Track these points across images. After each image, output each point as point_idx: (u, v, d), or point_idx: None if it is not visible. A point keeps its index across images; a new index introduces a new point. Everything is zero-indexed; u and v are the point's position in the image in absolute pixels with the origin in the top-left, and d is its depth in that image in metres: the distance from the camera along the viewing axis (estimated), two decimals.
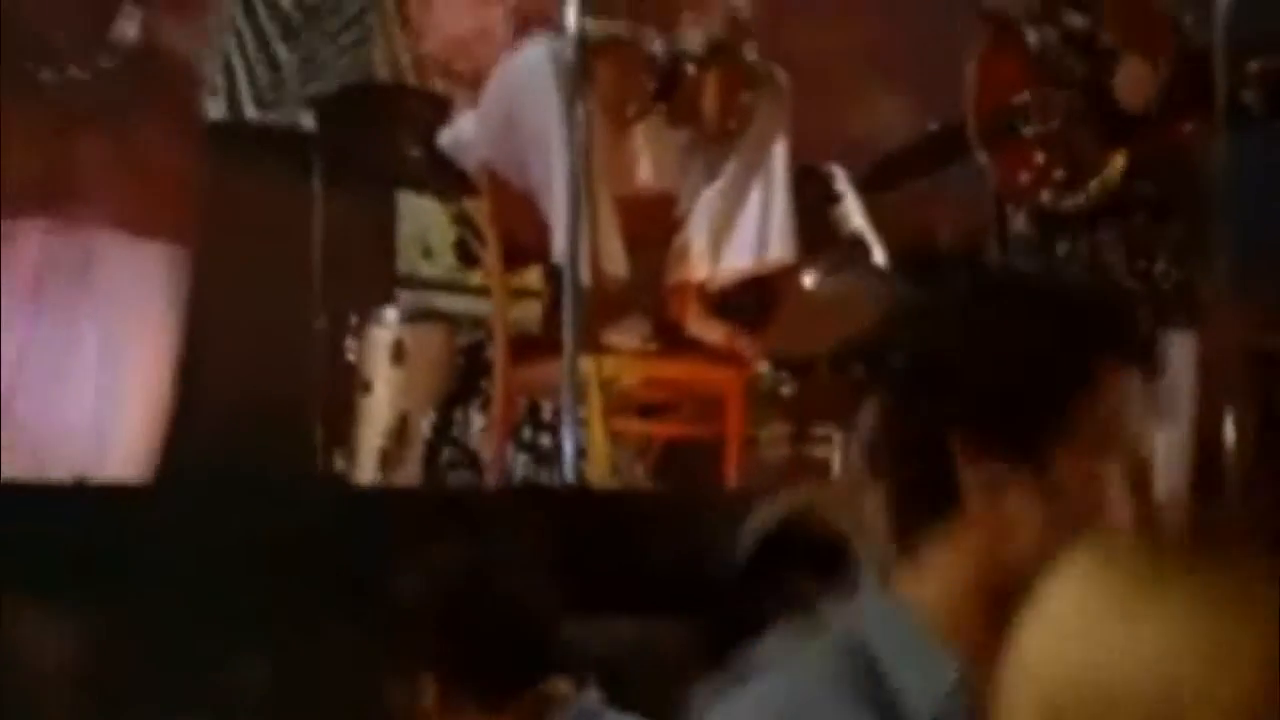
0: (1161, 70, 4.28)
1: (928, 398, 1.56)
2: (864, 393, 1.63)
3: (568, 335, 3.84)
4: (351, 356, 4.77)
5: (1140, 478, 1.56)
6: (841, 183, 4.76)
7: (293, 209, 4.88)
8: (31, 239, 3.91)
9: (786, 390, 4.77)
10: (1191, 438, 4.24)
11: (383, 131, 4.72)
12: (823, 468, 4.63)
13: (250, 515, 3.48)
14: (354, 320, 4.79)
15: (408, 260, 5.52)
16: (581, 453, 3.86)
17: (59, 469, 3.72)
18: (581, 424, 3.89)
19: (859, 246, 4.74)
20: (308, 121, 4.93)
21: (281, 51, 5.83)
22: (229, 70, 5.71)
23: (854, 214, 4.75)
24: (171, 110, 4.00)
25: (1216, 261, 4.30)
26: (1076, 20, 4.28)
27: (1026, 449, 1.53)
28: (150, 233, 3.98)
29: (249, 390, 4.87)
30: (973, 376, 1.55)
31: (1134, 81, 4.25)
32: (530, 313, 4.65)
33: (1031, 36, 4.26)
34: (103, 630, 3.22)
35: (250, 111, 5.69)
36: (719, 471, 4.09)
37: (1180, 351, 4.24)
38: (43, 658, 3.10)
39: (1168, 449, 4.21)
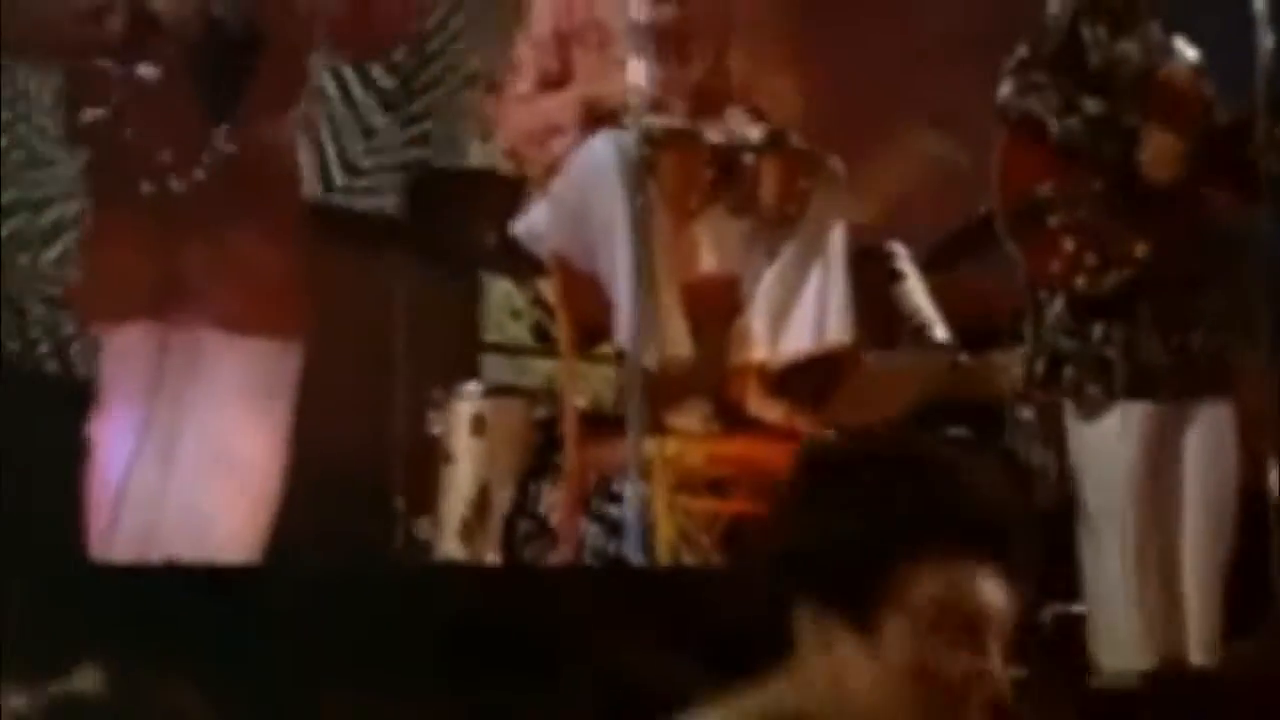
0: (1188, 143, 4.44)
1: (778, 564, 1.93)
2: None
3: (632, 417, 4.06)
4: (436, 429, 5.01)
5: (975, 640, 1.81)
6: (903, 262, 4.95)
7: (379, 287, 5.13)
8: (141, 340, 4.16)
9: None
10: (1235, 504, 4.41)
11: (464, 216, 4.95)
12: None
13: (349, 593, 3.74)
14: (437, 394, 5.04)
15: (490, 336, 5.77)
16: (648, 528, 4.08)
17: (171, 551, 3.95)
18: (647, 501, 4.11)
19: (919, 324, 4.91)
20: (392, 202, 5.19)
21: (377, 122, 6.12)
22: (320, 149, 6.02)
23: (915, 292, 4.93)
24: (269, 213, 4.20)
25: (1255, 329, 4.49)
26: (1095, 106, 4.44)
27: (852, 613, 1.86)
28: (254, 329, 4.17)
29: (338, 463, 5.12)
30: (805, 551, 1.91)
31: (1160, 155, 4.39)
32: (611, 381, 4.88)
33: (1054, 127, 4.42)
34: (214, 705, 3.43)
35: (339, 187, 6.00)
36: None
37: (1220, 420, 4.42)
38: None
39: (1211, 518, 4.39)
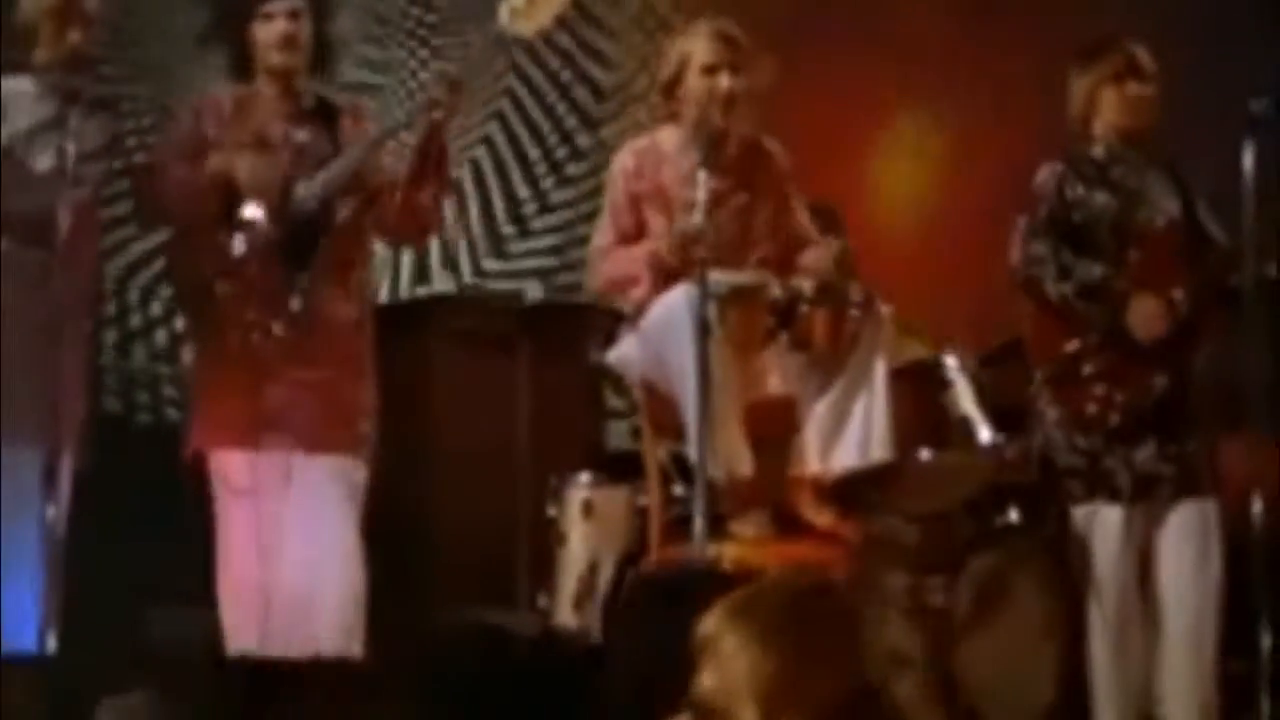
0: (1180, 303, 5.13)
1: None
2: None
3: (698, 527, 4.85)
4: (552, 513, 5.85)
5: None
6: (953, 372, 5.67)
7: (505, 392, 5.99)
8: (238, 460, 5.08)
9: (908, 539, 5.72)
10: (1220, 595, 5.13)
11: (573, 337, 5.76)
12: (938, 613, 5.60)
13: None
14: (554, 483, 5.88)
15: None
16: None
17: (281, 643, 4.85)
18: None
19: (967, 425, 5.63)
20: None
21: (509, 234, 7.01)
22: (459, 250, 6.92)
23: (963, 397, 5.65)
24: (337, 357, 5.11)
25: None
26: (1086, 272, 5.15)
27: None
28: (333, 449, 5.10)
29: (468, 547, 6.00)
30: None
31: (1145, 319, 5.11)
32: None
33: (1053, 294, 5.16)
34: None
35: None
36: None
37: (1207, 516, 5.15)
38: None
39: (1200, 610, 5.12)
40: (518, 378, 5.98)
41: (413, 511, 5.90)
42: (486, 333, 6.18)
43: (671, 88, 5.32)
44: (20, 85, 5.15)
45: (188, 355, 5.82)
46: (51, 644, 4.80)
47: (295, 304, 5.02)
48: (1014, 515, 5.76)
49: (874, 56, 7.20)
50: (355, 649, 5.03)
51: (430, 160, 5.14)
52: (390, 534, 5.49)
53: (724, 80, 5.21)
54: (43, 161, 5.05)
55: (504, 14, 5.00)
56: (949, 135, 7.25)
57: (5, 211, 5.04)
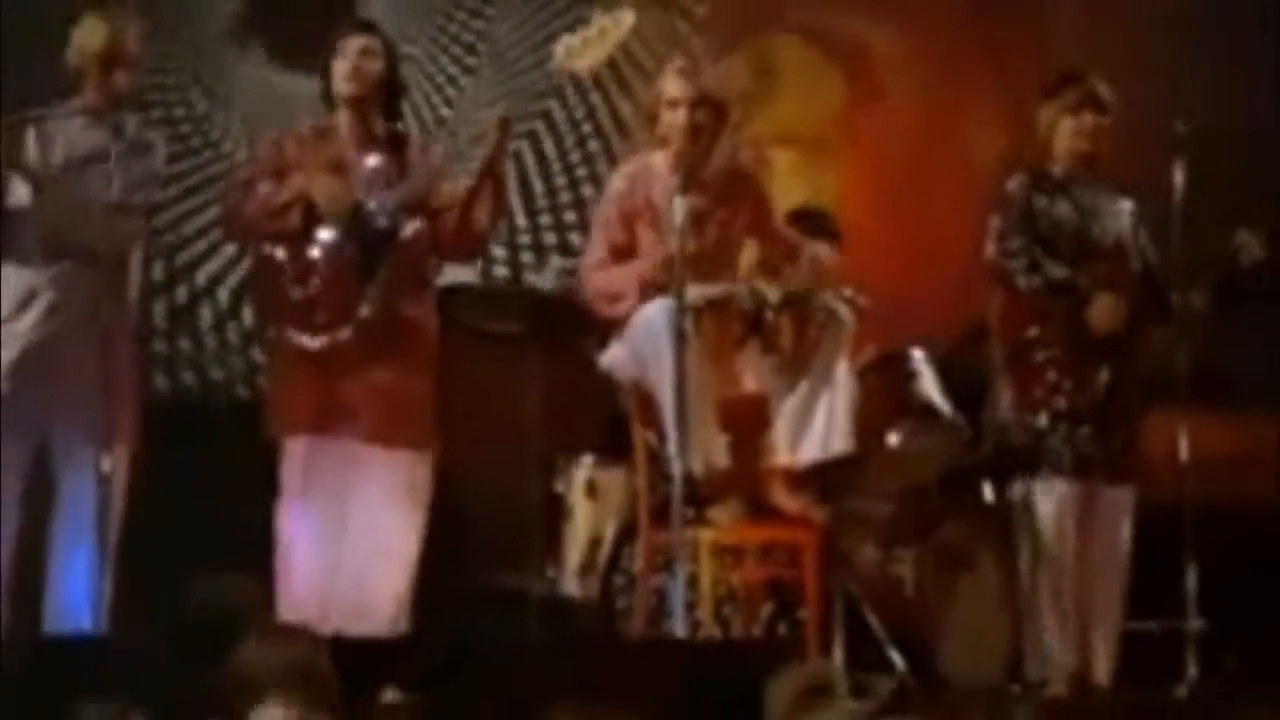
0: (1127, 300, 5.74)
1: None
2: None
3: (676, 514, 5.45)
4: (559, 489, 6.47)
5: None
6: (918, 363, 6.24)
7: (518, 381, 6.59)
8: (306, 449, 5.70)
9: (879, 515, 6.32)
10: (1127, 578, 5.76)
11: (581, 328, 6.33)
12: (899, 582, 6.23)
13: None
14: (561, 462, 6.49)
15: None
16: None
17: (329, 624, 5.46)
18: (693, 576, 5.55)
19: (931, 412, 6.20)
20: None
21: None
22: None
23: (928, 387, 6.23)
24: (402, 359, 5.71)
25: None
26: (1056, 270, 5.74)
27: None
28: (396, 443, 5.66)
29: (485, 520, 6.64)
30: None
31: (1102, 315, 5.72)
32: None
33: (1024, 285, 5.75)
34: None
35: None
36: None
37: (1128, 500, 5.75)
38: None
39: (1116, 571, 5.74)
40: (529, 364, 6.58)
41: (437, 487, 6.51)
42: (501, 321, 6.78)
43: (653, 119, 5.90)
44: (72, 122, 5.76)
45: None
46: (107, 623, 5.48)
47: (365, 311, 5.63)
48: (987, 493, 6.33)
49: None
50: (403, 626, 5.63)
51: (487, 186, 5.70)
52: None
53: (682, 114, 5.76)
54: (93, 191, 5.68)
55: (560, 52, 5.58)
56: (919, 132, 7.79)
57: (63, 237, 5.67)
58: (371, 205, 5.69)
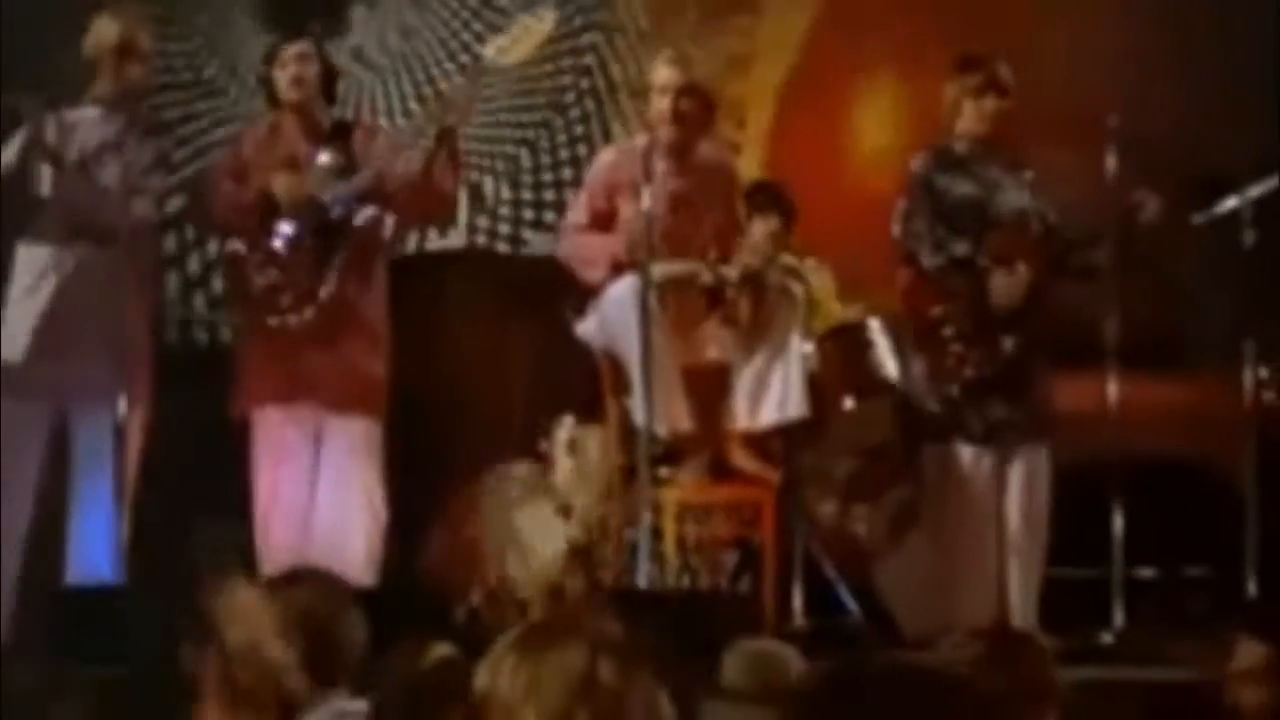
0: (1029, 276, 6.13)
1: None
2: None
3: (642, 475, 5.95)
4: (544, 447, 6.98)
5: None
6: (874, 332, 6.72)
7: (506, 346, 7.09)
8: (276, 417, 6.24)
9: (839, 473, 6.81)
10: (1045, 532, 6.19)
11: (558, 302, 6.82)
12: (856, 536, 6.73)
13: None
14: (545, 422, 6.99)
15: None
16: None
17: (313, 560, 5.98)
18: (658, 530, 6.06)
19: (884, 379, 6.68)
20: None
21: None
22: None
23: (882, 355, 6.70)
24: (360, 335, 6.24)
25: None
26: (959, 248, 6.16)
27: None
28: (354, 410, 6.22)
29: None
30: None
31: (1001, 291, 6.12)
32: None
33: (928, 263, 6.17)
34: None
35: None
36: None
37: (1041, 458, 6.18)
38: None
39: (1033, 526, 6.17)
40: (516, 329, 7.09)
41: (427, 440, 7.03)
42: (490, 284, 7.30)
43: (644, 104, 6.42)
44: (88, 112, 6.26)
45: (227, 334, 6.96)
46: (123, 573, 6.01)
47: (324, 294, 6.15)
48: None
49: None
50: (373, 578, 6.16)
51: (446, 156, 6.18)
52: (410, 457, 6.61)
53: (669, 101, 6.24)
54: (108, 177, 6.18)
55: (491, 51, 6.13)
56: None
57: (81, 220, 6.18)
58: (327, 198, 6.20)
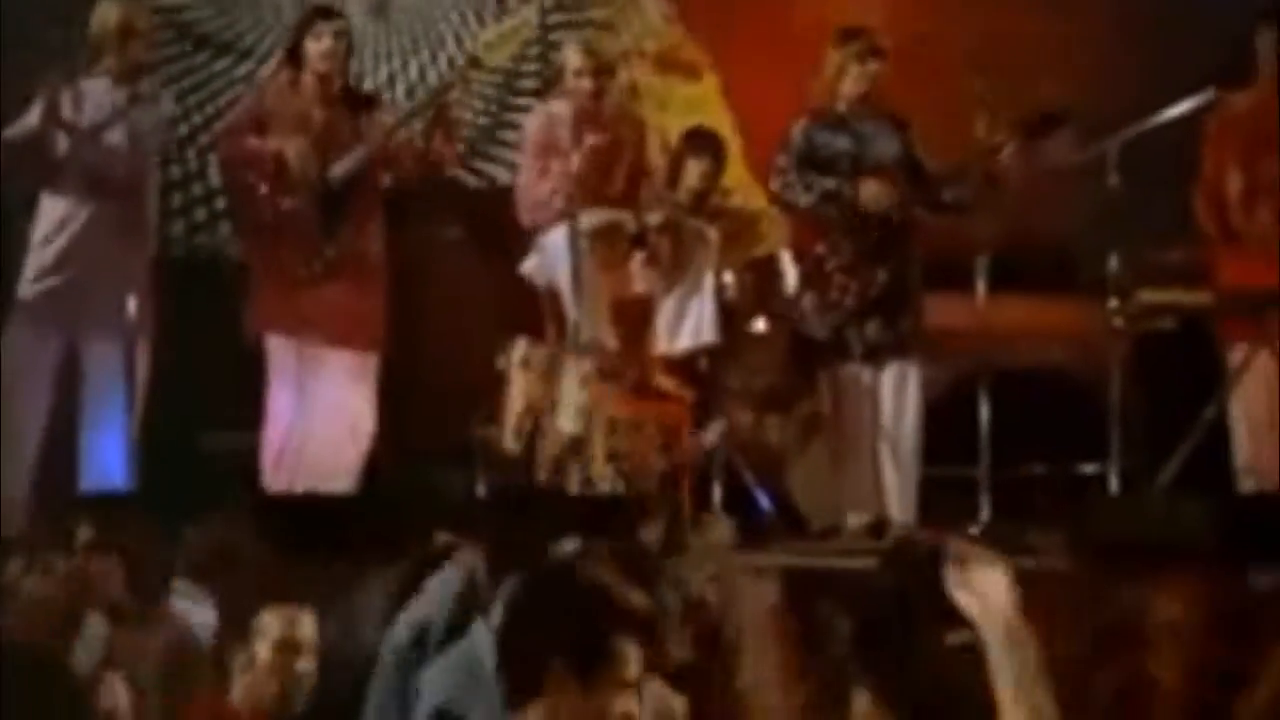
0: (893, 187, 7.05)
1: None
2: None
3: (569, 389, 6.98)
4: (501, 365, 7.99)
5: None
6: (784, 264, 7.70)
7: (467, 276, 8.11)
8: (284, 347, 7.22)
9: (756, 387, 7.83)
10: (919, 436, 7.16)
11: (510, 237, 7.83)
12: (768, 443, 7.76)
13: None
14: (502, 341, 7.99)
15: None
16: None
17: (315, 482, 7.06)
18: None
19: (791, 304, 7.66)
20: None
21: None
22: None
23: (790, 284, 7.69)
24: (359, 283, 7.22)
25: None
26: (826, 183, 7.10)
27: None
28: (353, 346, 7.20)
29: (444, 390, 8.18)
30: None
31: (869, 195, 7.06)
32: None
33: (802, 203, 7.14)
34: None
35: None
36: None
37: (909, 376, 7.15)
38: None
39: (905, 426, 7.13)
40: (476, 261, 8.13)
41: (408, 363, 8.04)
42: (460, 218, 8.32)
43: (559, 75, 7.43)
44: (99, 84, 7.25)
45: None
46: (135, 481, 7.04)
47: (330, 252, 7.11)
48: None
49: None
50: (353, 485, 7.20)
51: (441, 123, 7.13)
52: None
53: (586, 81, 7.25)
54: (116, 139, 7.18)
55: (480, 48, 7.13)
56: None
57: (92, 176, 7.17)
58: (335, 171, 7.13)
